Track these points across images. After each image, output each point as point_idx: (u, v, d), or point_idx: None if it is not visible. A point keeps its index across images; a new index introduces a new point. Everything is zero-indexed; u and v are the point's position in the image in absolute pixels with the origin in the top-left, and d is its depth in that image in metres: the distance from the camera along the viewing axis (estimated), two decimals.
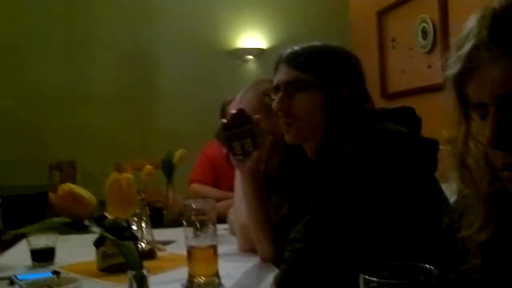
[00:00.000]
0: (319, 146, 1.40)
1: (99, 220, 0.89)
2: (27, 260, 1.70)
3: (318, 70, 1.38)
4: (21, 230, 1.25)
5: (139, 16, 5.46)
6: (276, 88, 1.43)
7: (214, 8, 5.51)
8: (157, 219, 2.11)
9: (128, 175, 0.91)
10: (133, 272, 0.88)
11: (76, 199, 0.86)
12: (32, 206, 3.95)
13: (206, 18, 5.49)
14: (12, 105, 5.00)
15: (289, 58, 1.42)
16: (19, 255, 1.85)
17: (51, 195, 0.86)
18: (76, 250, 1.81)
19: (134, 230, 1.58)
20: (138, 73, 5.46)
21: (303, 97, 1.38)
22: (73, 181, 4.74)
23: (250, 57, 5.53)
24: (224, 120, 1.57)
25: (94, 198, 0.88)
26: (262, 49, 5.49)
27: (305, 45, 1.44)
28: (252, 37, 5.54)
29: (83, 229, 0.87)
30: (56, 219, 0.89)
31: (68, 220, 0.87)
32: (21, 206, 3.80)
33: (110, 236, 0.88)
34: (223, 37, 5.54)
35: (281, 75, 1.43)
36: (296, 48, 1.44)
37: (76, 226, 0.87)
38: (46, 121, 5.27)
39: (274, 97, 1.44)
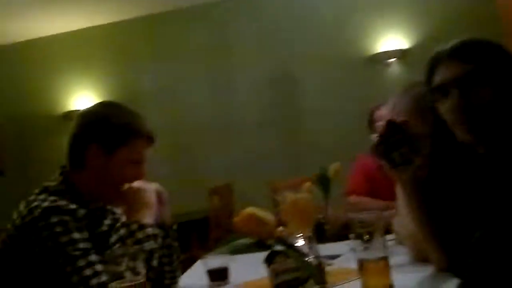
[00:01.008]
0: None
1: (282, 240, 0.93)
2: (204, 280, 1.80)
3: (489, 62, 1.30)
4: (215, 252, 1.33)
5: (275, 38, 5.61)
6: (443, 87, 1.35)
7: (350, 15, 5.47)
8: (320, 235, 2.13)
9: (306, 194, 0.94)
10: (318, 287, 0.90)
11: (257, 221, 0.91)
12: (197, 230, 4.18)
13: (341, 27, 5.48)
14: (170, 141, 5.37)
15: (457, 52, 1.33)
16: (195, 276, 1.98)
17: (235, 219, 0.92)
18: (246, 269, 1.90)
19: (302, 246, 1.61)
20: (280, 93, 5.59)
21: (480, 91, 1.30)
22: (231, 204, 4.96)
23: (392, 60, 5.37)
24: (377, 135, 1.56)
25: (273, 219, 0.93)
26: (405, 49, 5.31)
27: (466, 38, 1.35)
28: (392, 38, 5.39)
29: (267, 249, 0.91)
30: (242, 241, 0.94)
31: (252, 241, 0.92)
32: (187, 231, 4.04)
33: (293, 254, 0.92)
34: (361, 43, 5.47)
35: (450, 72, 1.33)
36: (458, 41, 1.35)
37: (260, 246, 0.92)
38: (201, 149, 5.59)
39: (439, 97, 1.38)
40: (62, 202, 1.56)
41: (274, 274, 1.63)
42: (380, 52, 5.39)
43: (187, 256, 2.19)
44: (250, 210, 0.92)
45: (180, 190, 5.56)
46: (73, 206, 1.56)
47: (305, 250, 1.66)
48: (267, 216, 0.92)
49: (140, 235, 1.59)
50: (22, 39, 6.25)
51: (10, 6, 5.32)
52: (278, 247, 0.91)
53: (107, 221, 1.77)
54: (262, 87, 5.64)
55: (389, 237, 1.88)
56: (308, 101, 5.55)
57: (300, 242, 1.63)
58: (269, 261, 1.64)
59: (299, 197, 0.94)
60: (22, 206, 1.58)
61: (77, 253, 1.48)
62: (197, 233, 4.23)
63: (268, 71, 5.64)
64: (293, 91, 5.64)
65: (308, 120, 5.50)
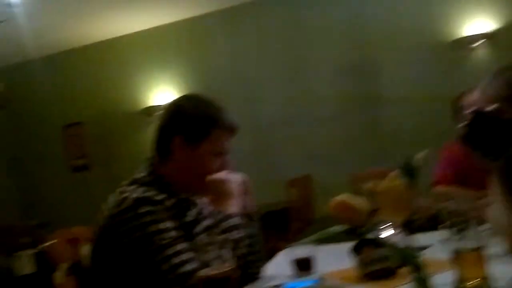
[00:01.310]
0: None
1: (373, 229, 0.90)
2: (288, 270, 1.80)
3: None
4: (304, 241, 1.33)
5: (353, 24, 5.51)
6: None
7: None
8: (408, 225, 2.07)
9: (400, 181, 0.91)
10: (417, 274, 0.87)
11: (350, 208, 0.89)
12: (275, 222, 4.18)
13: (423, 12, 5.27)
14: (247, 133, 5.39)
15: None
16: (279, 266, 1.98)
17: (330, 206, 0.90)
18: (331, 259, 1.87)
19: (390, 236, 1.57)
20: (359, 81, 5.47)
21: None
22: (310, 195, 4.93)
23: (477, 44, 5.10)
24: (464, 123, 1.49)
25: (366, 207, 0.90)
26: (491, 32, 5.03)
27: None
28: (477, 21, 5.11)
29: (359, 236, 0.89)
30: (332, 229, 0.92)
31: (343, 229, 0.90)
32: (265, 223, 4.05)
33: (384, 243, 0.89)
34: (444, 27, 5.24)
35: None
36: None
37: (351, 234, 0.90)
38: (278, 140, 5.59)
39: None
40: (151, 193, 1.60)
41: (363, 263, 1.60)
42: (465, 36, 5.15)
43: (266, 248, 2.19)
44: (343, 197, 0.90)
45: (258, 181, 5.59)
46: (161, 197, 1.60)
47: (395, 240, 1.63)
48: (360, 203, 0.90)
49: (226, 224, 1.61)
50: (101, 39, 6.49)
51: (90, 8, 5.52)
52: (369, 236, 0.89)
53: (192, 212, 1.80)
54: (340, 75, 5.55)
55: (483, 227, 1.81)
56: (388, 89, 5.40)
57: (389, 232, 1.60)
58: (357, 250, 1.61)
59: (394, 184, 0.91)
60: (112, 198, 1.63)
61: (165, 242, 1.51)
62: (276, 225, 4.24)
63: (346, 58, 5.55)
64: (373, 78, 5.51)
65: (389, 108, 5.35)
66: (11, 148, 6.71)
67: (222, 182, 1.71)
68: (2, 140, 6.60)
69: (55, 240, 1.96)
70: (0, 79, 6.71)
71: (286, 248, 1.83)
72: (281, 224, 4.11)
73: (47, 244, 1.90)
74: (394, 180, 0.93)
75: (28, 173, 6.79)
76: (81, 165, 6.74)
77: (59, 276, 1.93)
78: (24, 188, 6.76)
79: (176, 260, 1.50)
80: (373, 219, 0.89)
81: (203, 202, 1.89)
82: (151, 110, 6.32)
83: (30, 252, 5.18)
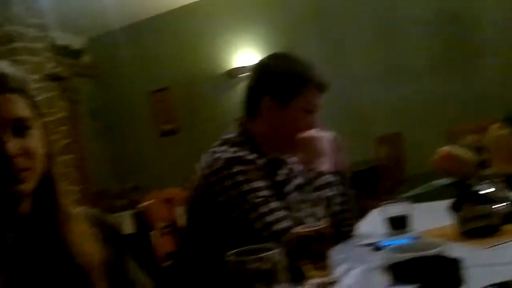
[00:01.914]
0: None
1: (481, 181, 0.86)
2: (382, 228, 1.76)
3: None
4: (406, 194, 1.30)
5: None
6: None
7: None
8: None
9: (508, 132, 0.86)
10: None
11: (457, 159, 0.84)
12: (364, 180, 4.12)
13: None
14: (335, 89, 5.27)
15: None
16: (371, 224, 1.95)
17: (433, 159, 0.86)
18: (426, 218, 1.82)
19: (494, 192, 1.49)
20: (455, 30, 5.16)
21: None
22: (400, 153, 4.81)
23: None
24: None
25: (473, 158, 0.86)
26: None
27: None
28: None
29: (466, 189, 0.85)
30: (439, 181, 0.89)
31: (450, 181, 0.86)
32: (356, 182, 4.00)
33: (486, 200, 0.84)
34: None
35: None
36: None
37: (459, 186, 0.85)
38: (366, 95, 5.46)
39: None
40: (243, 153, 1.61)
41: (463, 220, 1.54)
42: None
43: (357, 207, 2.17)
44: (448, 148, 0.85)
45: (347, 139, 5.47)
46: (252, 156, 1.60)
47: (498, 195, 1.55)
48: (467, 154, 0.85)
49: (318, 182, 1.60)
50: (183, 4, 6.55)
51: None
52: (476, 189, 0.84)
53: (283, 171, 1.80)
54: (434, 24, 5.28)
55: None
56: (488, 37, 5.06)
57: (490, 189, 1.52)
58: (457, 207, 1.55)
59: (503, 134, 0.85)
60: (204, 158, 1.65)
61: (259, 200, 1.52)
62: (365, 184, 4.18)
63: (441, 5, 5.26)
64: (470, 27, 5.17)
65: (488, 59, 5.04)
66: (103, 117, 6.99)
67: (313, 140, 1.69)
68: (95, 109, 6.88)
69: (152, 201, 2.02)
70: (86, 51, 6.98)
71: (379, 206, 1.79)
72: (371, 183, 4.04)
73: (143, 204, 1.97)
74: (501, 131, 0.87)
75: (120, 140, 7.07)
76: (169, 129, 6.93)
77: (156, 235, 2.00)
78: (117, 154, 7.06)
79: (270, 218, 1.50)
80: (481, 171, 0.84)
81: (293, 161, 1.89)
82: (235, 72, 6.36)
83: (128, 213, 5.43)
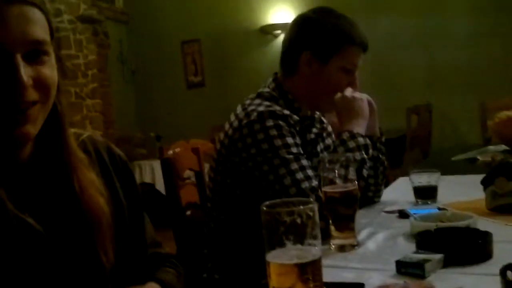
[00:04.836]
0: None
1: None
2: (408, 196, 1.75)
3: None
4: (456, 158, 1.26)
5: None
6: None
7: None
8: None
9: None
10: None
11: None
12: (392, 149, 4.08)
13: None
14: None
15: None
16: (398, 192, 1.94)
17: (490, 123, 0.84)
18: (455, 190, 1.80)
19: None
20: (497, 5, 5.00)
21: None
22: (430, 124, 4.74)
23: None
24: None
25: None
26: None
27: None
28: None
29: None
30: (493, 147, 0.86)
31: (504, 148, 0.84)
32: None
33: None
34: None
35: None
36: None
37: None
38: (399, 65, 5.35)
39: None
40: (277, 107, 1.59)
41: (492, 195, 1.51)
42: None
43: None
44: (504, 113, 0.82)
45: (378, 106, 5.40)
46: (286, 112, 1.58)
47: None
48: None
49: (351, 144, 1.57)
50: None
51: None
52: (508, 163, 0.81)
53: (315, 129, 1.78)
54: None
55: None
56: None
57: None
58: (487, 182, 1.52)
59: None
60: (237, 111, 1.63)
61: (290, 156, 1.51)
62: (393, 152, 4.13)
63: None
64: None
65: None
66: (131, 63, 6.98)
67: (351, 99, 1.65)
68: (125, 54, 6.86)
69: (178, 149, 2.02)
70: None
71: (409, 174, 1.77)
72: (398, 151, 3.99)
73: (170, 152, 1.97)
74: None
75: (146, 87, 7.06)
76: (197, 82, 6.90)
77: (182, 184, 2.00)
78: (143, 102, 7.07)
79: (300, 175, 1.49)
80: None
81: (326, 120, 1.87)
82: (269, 28, 6.27)
83: (147, 162, 5.48)
